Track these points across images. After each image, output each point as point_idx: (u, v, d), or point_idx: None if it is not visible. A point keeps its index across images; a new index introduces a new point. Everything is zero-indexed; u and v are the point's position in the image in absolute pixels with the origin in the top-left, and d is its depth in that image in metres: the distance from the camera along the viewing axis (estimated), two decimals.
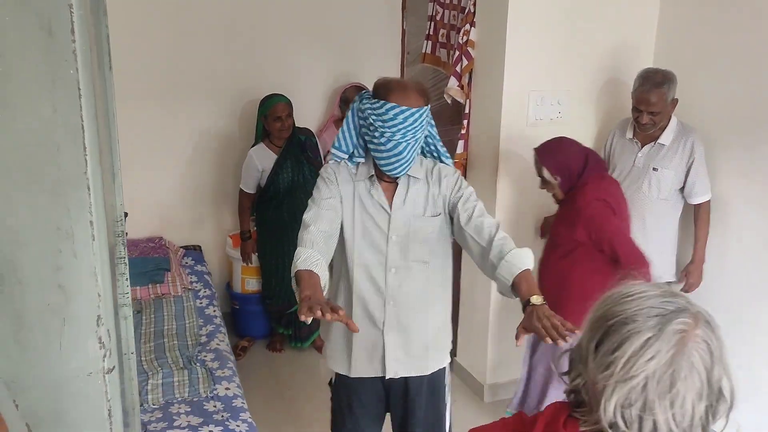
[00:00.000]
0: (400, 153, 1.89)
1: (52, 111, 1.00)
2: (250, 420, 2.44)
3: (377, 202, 1.99)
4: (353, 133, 1.98)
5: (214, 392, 2.60)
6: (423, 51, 3.69)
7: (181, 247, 3.94)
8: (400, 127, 1.84)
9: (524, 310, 1.74)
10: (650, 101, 2.84)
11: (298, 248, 1.82)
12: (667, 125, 2.95)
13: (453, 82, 3.26)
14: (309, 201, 1.99)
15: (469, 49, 3.18)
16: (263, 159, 3.63)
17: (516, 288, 1.81)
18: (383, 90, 1.88)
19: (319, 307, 1.52)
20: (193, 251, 3.94)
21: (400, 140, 1.86)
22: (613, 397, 0.93)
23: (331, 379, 2.23)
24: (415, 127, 1.86)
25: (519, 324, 1.69)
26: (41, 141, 1.00)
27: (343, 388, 2.18)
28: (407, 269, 2.02)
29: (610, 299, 1.01)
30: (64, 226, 1.05)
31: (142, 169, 3.83)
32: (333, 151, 2.01)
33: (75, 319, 1.09)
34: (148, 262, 3.54)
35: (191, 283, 3.62)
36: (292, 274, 1.77)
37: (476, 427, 1.17)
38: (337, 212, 1.96)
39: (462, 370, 3.61)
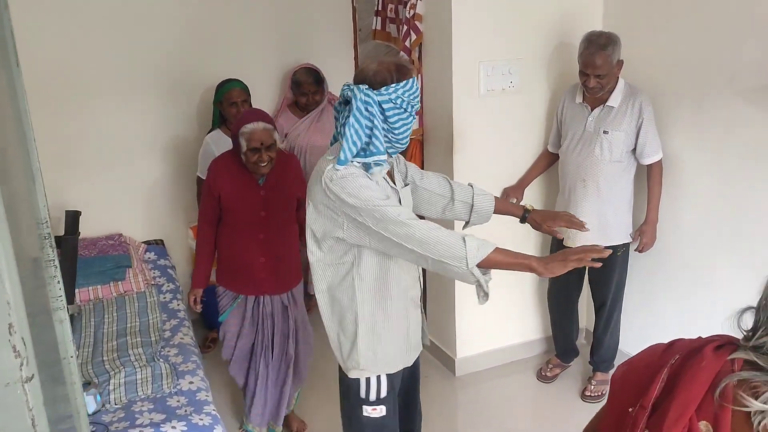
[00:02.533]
0: None
1: None
2: (214, 413, 2.42)
3: (394, 187, 1.99)
4: (363, 133, 1.83)
5: (178, 387, 2.57)
6: (373, 27, 3.64)
7: (142, 242, 3.87)
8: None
9: (524, 217, 2.24)
10: (596, 64, 2.83)
11: (454, 237, 1.77)
12: (614, 87, 2.96)
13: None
14: (381, 205, 1.80)
15: (417, 23, 3.13)
16: (220, 145, 3.55)
17: (501, 210, 2.26)
18: (404, 70, 1.87)
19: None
20: (156, 246, 3.88)
21: None
22: None
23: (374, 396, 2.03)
24: None
25: (545, 227, 2.20)
26: None
27: (391, 390, 2.06)
28: None
29: None
30: None
31: (96, 165, 3.75)
32: (377, 158, 1.83)
33: None
34: (108, 260, 3.48)
35: (154, 278, 3.57)
36: (476, 262, 1.74)
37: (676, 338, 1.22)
38: None
39: (433, 347, 3.62)
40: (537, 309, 3.61)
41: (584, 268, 3.25)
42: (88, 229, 3.71)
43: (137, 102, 3.77)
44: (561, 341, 3.48)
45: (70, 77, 3.59)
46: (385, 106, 1.82)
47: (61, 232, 3.33)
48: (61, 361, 1.56)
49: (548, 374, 3.48)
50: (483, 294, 1.81)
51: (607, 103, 2.96)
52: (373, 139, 1.83)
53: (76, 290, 3.23)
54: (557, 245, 3.27)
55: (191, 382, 2.60)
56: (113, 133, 3.75)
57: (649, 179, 3.01)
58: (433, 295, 3.57)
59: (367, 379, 2.01)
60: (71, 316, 2.78)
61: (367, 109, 1.82)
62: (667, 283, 3.14)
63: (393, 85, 1.82)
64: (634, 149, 2.98)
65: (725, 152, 2.75)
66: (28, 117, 1.41)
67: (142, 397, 2.52)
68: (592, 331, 3.37)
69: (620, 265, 3.18)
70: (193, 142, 3.92)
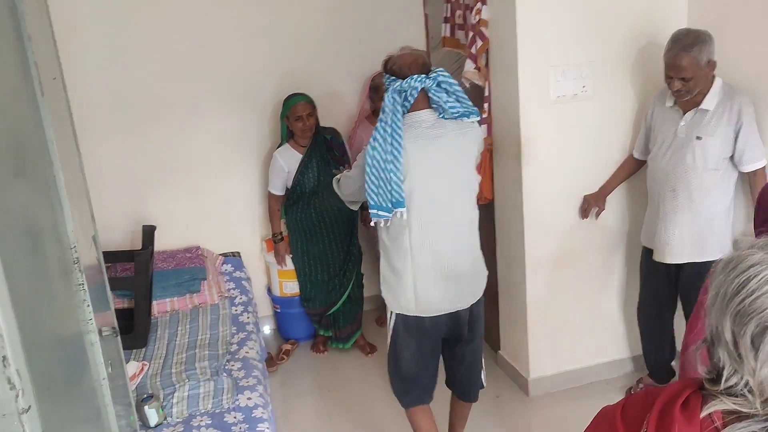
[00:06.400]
0: None
1: None
2: (268, 430, 2.41)
3: None
4: None
5: (236, 403, 2.58)
6: (442, 34, 3.54)
7: (220, 254, 3.96)
8: None
9: None
10: (679, 66, 2.60)
11: None
12: (709, 89, 2.70)
13: (469, 64, 3.10)
14: None
15: (483, 28, 3.01)
16: (288, 160, 3.59)
17: None
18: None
19: None
20: (233, 258, 3.95)
21: None
22: None
23: None
24: None
25: None
26: None
27: None
28: None
29: (748, 287, 0.87)
30: None
31: (176, 180, 3.87)
32: None
33: None
34: (184, 272, 3.57)
35: (228, 290, 3.63)
36: None
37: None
38: None
39: (506, 365, 3.46)
40: (627, 326, 3.37)
41: (676, 283, 3.01)
42: (167, 242, 3.85)
43: (214, 117, 3.86)
44: (652, 360, 3.24)
45: (149, 96, 3.73)
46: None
47: (140, 246, 3.47)
48: (93, 383, 1.59)
49: None
50: None
51: (700, 107, 2.71)
52: None
53: (154, 302, 3.35)
54: (646, 257, 3.05)
55: (249, 398, 2.60)
56: (192, 148, 3.86)
57: (752, 189, 2.73)
58: (505, 311, 3.41)
59: None
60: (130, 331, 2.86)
61: None
62: None
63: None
64: (733, 156, 2.72)
65: None
66: (54, 145, 1.44)
67: (202, 411, 2.54)
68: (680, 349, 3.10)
69: None
70: (268, 155, 3.97)
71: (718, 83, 2.70)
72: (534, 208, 3.03)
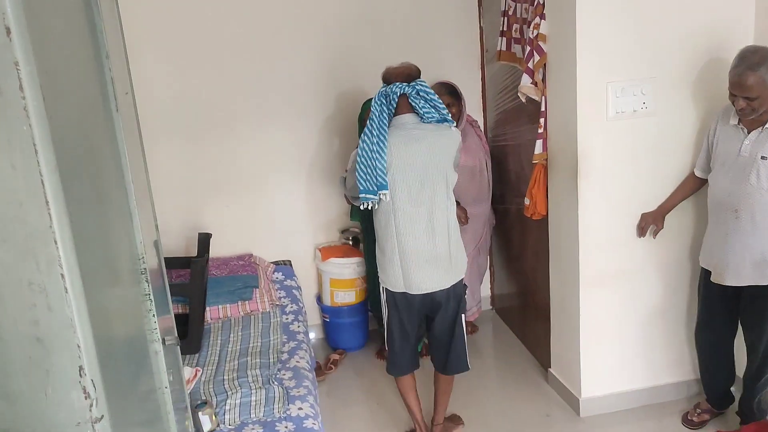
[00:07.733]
0: None
1: (10, 168, 1.01)
2: None
3: None
4: None
5: (287, 412, 2.59)
6: (498, 48, 3.53)
7: (271, 262, 4.01)
8: None
9: None
10: (745, 85, 2.52)
11: None
12: None
13: (525, 79, 3.08)
14: None
15: (541, 43, 2.98)
16: None
17: None
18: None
19: None
20: (284, 266, 4.00)
21: None
22: None
23: None
24: None
25: None
26: (4, 198, 1.01)
27: None
28: None
29: None
30: (35, 280, 1.05)
31: (230, 188, 3.95)
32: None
33: (57, 370, 1.10)
34: (237, 280, 3.63)
35: (279, 298, 3.67)
36: None
37: None
38: None
39: (557, 383, 3.40)
40: (684, 348, 3.27)
41: (735, 305, 2.91)
42: (221, 249, 3.92)
43: (267, 127, 3.93)
44: (710, 385, 3.14)
45: (205, 106, 3.82)
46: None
47: (193, 252, 3.54)
48: (156, 391, 1.62)
49: (695, 419, 3.14)
50: None
51: (766, 126, 2.63)
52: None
53: (207, 308, 3.41)
54: (705, 278, 2.96)
55: (300, 408, 2.62)
56: (245, 157, 3.93)
57: None
58: (557, 329, 3.36)
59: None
60: (183, 340, 2.91)
61: None
62: None
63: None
64: None
65: None
66: (126, 158, 1.48)
67: (254, 419, 2.57)
68: (742, 376, 3.00)
69: None
70: (320, 164, 4.01)
71: None
72: (589, 225, 2.98)
